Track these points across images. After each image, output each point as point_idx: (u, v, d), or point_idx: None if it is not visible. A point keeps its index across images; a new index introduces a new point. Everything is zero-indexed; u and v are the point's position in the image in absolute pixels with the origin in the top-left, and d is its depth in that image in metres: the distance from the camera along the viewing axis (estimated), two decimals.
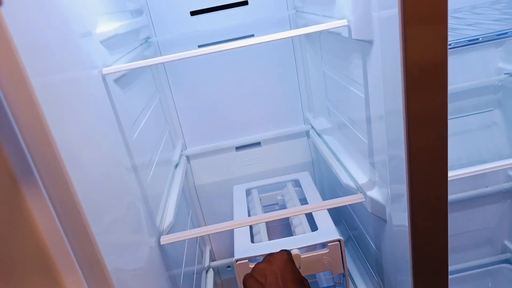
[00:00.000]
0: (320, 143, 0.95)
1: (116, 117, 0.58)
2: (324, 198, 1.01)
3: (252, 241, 0.81)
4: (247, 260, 0.75)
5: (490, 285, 1.31)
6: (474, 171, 0.66)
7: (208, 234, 1.13)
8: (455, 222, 1.19)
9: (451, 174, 0.57)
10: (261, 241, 0.81)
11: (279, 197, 1.01)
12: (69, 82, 0.45)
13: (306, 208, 0.68)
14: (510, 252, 1.25)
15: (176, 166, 0.97)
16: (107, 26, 0.62)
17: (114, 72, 0.57)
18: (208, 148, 1.07)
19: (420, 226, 0.54)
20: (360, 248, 0.92)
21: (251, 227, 0.86)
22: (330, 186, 1.08)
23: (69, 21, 0.49)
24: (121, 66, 0.56)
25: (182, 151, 1.05)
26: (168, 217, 0.73)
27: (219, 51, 0.57)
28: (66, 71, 0.45)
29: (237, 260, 0.75)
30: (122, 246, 0.52)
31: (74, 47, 0.49)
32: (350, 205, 0.93)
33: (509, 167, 0.67)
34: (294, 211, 0.68)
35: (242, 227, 0.84)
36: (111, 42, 0.62)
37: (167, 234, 0.69)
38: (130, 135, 0.64)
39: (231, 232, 0.86)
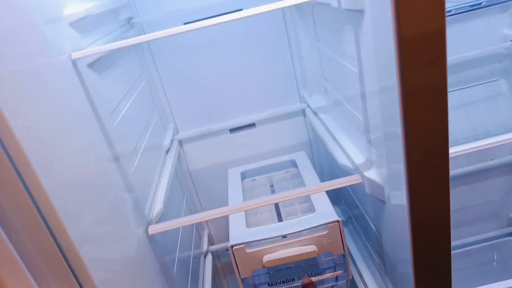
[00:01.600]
0: (316, 122, 0.91)
1: (91, 104, 0.54)
2: (322, 178, 0.97)
3: (248, 225, 0.78)
4: (243, 245, 0.73)
5: (495, 258, 1.29)
6: (476, 147, 0.62)
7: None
8: (460, 196, 1.16)
9: (452, 150, 0.53)
10: (257, 225, 0.78)
11: (275, 178, 0.97)
12: (31, 70, 0.42)
13: (302, 192, 0.65)
14: None
15: (168, 151, 0.94)
16: (78, 7, 0.57)
17: (87, 56, 0.53)
18: (201, 131, 1.03)
19: (420, 206, 0.51)
20: (360, 228, 0.90)
21: (246, 211, 0.83)
22: (328, 165, 1.05)
23: (30, 3, 0.44)
24: (93, 49, 0.52)
25: (173, 135, 1.01)
26: (157, 205, 0.70)
27: (205, 27, 0.53)
28: (27, 59, 0.41)
29: (232, 246, 0.73)
30: (102, 238, 0.49)
31: (36, 31, 0.45)
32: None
33: (501, 144, 0.63)
34: (290, 195, 0.64)
35: (236, 215, 0.82)
36: (83, 24, 0.58)
37: (156, 223, 0.66)
38: (110, 123, 0.60)
39: (227, 216, 0.83)
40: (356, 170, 0.67)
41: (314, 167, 0.95)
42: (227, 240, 0.74)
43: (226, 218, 0.81)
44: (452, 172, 0.84)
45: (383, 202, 0.63)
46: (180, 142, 1.04)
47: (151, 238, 0.66)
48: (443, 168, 0.49)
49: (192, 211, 1.07)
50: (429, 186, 0.50)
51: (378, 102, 0.53)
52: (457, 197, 1.18)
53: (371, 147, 0.64)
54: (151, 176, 0.78)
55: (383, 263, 0.76)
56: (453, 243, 0.54)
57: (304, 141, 1.07)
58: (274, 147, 1.06)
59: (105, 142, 0.56)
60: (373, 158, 0.64)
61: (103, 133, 0.56)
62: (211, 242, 1.16)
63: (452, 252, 0.55)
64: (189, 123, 1.03)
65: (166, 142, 0.93)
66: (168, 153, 0.93)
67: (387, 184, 0.59)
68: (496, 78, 1.09)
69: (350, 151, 0.72)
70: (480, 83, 1.09)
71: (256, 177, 1.00)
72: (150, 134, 0.83)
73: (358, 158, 0.68)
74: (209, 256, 1.08)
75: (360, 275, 0.84)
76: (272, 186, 0.98)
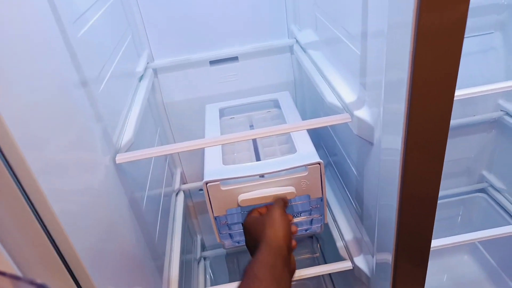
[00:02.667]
0: (305, 59, 0.85)
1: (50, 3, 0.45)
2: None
3: (224, 163, 0.74)
4: (218, 183, 0.69)
5: (461, 213, 1.33)
6: (467, 94, 0.59)
7: (179, 157, 1.06)
8: None
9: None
10: (234, 163, 0.74)
11: (255, 117, 0.92)
12: None
13: (284, 128, 0.60)
14: (486, 182, 1.24)
15: (141, 79, 0.86)
16: None
17: None
18: (179, 61, 0.95)
19: (415, 152, 0.47)
20: (340, 174, 0.87)
21: (223, 148, 0.78)
22: (312, 108, 1.00)
23: None
24: None
25: (148, 63, 0.92)
26: (127, 134, 0.64)
27: None
28: None
29: (207, 182, 0.68)
30: (64, 168, 0.43)
31: None
32: (332, 127, 0.86)
33: (498, 91, 0.60)
34: (271, 131, 0.59)
35: (213, 148, 0.77)
36: None
37: (125, 152, 0.60)
38: (74, 32, 0.52)
39: (202, 155, 0.78)
40: (345, 109, 0.63)
41: (297, 109, 0.90)
42: (201, 179, 0.70)
43: (200, 157, 0.76)
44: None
45: (371, 144, 0.59)
46: (155, 71, 0.95)
47: (119, 169, 0.60)
48: (445, 115, 0.45)
49: (162, 141, 1.02)
50: (428, 133, 0.46)
51: (383, 41, 0.47)
52: None
53: (364, 88, 0.59)
54: (121, 103, 0.71)
55: (360, 208, 0.74)
56: None
57: (289, 81, 1.01)
58: (256, 85, 1.00)
59: (68, 54, 0.48)
60: (365, 98, 0.59)
61: (66, 44, 0.48)
62: (183, 181, 1.12)
63: None
64: (166, 51, 0.94)
65: (139, 69, 0.85)
66: (141, 81, 0.85)
67: (379, 126, 0.55)
68: (492, 31, 1.04)
69: (340, 89, 0.66)
70: (473, 35, 1.04)
71: (235, 116, 0.94)
72: (122, 56, 0.75)
73: (348, 97, 0.63)
74: (181, 195, 1.05)
75: (335, 221, 0.83)
76: (251, 126, 0.93)
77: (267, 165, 0.71)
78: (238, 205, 0.70)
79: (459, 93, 0.58)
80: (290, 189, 0.69)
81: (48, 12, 0.45)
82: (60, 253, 0.40)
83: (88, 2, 0.61)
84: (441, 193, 1.30)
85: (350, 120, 0.60)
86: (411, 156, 0.48)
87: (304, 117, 1.02)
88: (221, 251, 1.25)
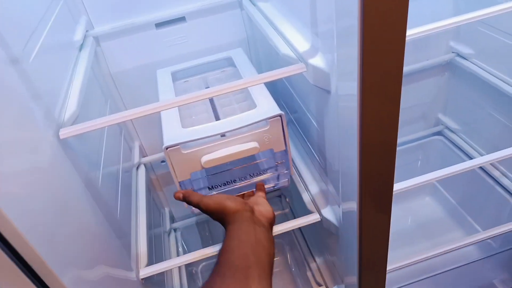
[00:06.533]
0: (255, 13, 0.81)
1: None
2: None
3: (183, 127, 0.70)
4: (179, 146, 0.66)
5: (420, 157, 1.37)
6: (419, 33, 0.58)
7: (135, 129, 1.01)
8: None
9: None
10: (193, 125, 0.70)
11: (210, 78, 0.88)
12: None
13: (240, 84, 0.57)
14: (442, 124, 1.28)
15: (81, 48, 0.79)
16: None
17: None
18: (121, 26, 0.88)
19: (371, 96, 0.46)
20: (300, 128, 0.86)
21: (180, 113, 0.74)
22: (268, 64, 0.97)
23: None
24: None
25: (87, 30, 0.85)
26: (70, 107, 0.59)
27: None
28: None
29: (167, 147, 0.65)
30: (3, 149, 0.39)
31: None
32: (289, 81, 0.84)
33: (447, 28, 0.59)
34: (227, 87, 0.57)
35: (170, 114, 0.73)
36: None
37: (69, 126, 0.55)
38: None
39: (160, 125, 0.74)
40: (300, 59, 0.60)
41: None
42: (161, 151, 0.66)
43: (158, 129, 0.72)
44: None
45: (328, 92, 0.57)
46: (97, 40, 0.88)
47: (66, 145, 0.55)
48: (399, 57, 0.43)
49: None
50: (383, 75, 0.44)
51: None
52: None
53: (317, 37, 0.57)
54: (60, 76, 0.65)
55: (324, 160, 0.73)
56: None
57: (241, 38, 0.97)
58: (208, 46, 0.95)
59: None
60: (319, 45, 0.57)
61: None
62: (143, 155, 1.07)
63: None
64: (107, 16, 0.87)
65: (77, 38, 0.78)
66: (81, 51, 0.78)
67: (334, 73, 0.53)
68: None
69: (293, 40, 0.64)
70: None
71: (189, 78, 0.89)
72: (53, 25, 0.68)
73: (302, 46, 0.61)
74: (142, 168, 1.01)
75: (300, 176, 0.83)
76: (207, 87, 0.89)
77: (227, 124, 0.68)
78: (202, 167, 0.68)
79: (410, 32, 0.57)
80: (253, 145, 0.68)
81: None
82: (7, 242, 0.37)
83: None
84: (399, 140, 1.34)
85: (305, 69, 0.58)
86: (368, 101, 0.46)
87: (259, 72, 1.00)
88: (191, 220, 1.24)
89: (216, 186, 0.74)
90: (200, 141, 0.67)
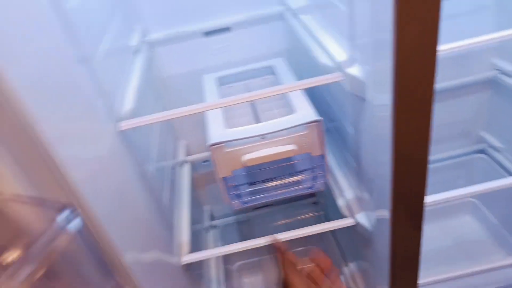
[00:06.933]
0: (296, 24, 0.86)
1: None
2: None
3: (226, 127, 0.76)
4: (223, 144, 0.72)
5: (462, 175, 1.34)
6: (460, 46, 0.60)
7: (183, 129, 1.09)
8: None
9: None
10: (235, 127, 0.76)
11: (252, 85, 0.94)
12: None
13: (281, 89, 0.62)
14: (485, 142, 1.26)
15: (136, 53, 0.87)
16: None
17: None
18: (173, 33, 0.96)
19: (403, 107, 0.49)
20: (337, 136, 0.90)
21: (224, 116, 0.80)
22: (306, 73, 1.01)
23: None
24: None
25: (143, 37, 0.94)
26: (128, 103, 0.67)
27: None
28: None
29: (212, 145, 0.71)
30: (75, 139, 0.46)
31: None
32: (328, 91, 0.88)
33: (491, 41, 0.61)
34: (269, 91, 0.62)
35: (215, 115, 0.79)
36: None
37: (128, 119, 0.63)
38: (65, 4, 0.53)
39: (205, 126, 0.80)
40: (338, 69, 0.64)
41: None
42: (205, 151, 0.73)
43: (203, 130, 0.79)
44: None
45: (364, 100, 0.61)
46: (151, 45, 0.97)
47: (125, 137, 0.63)
48: (430, 71, 0.46)
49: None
50: (415, 88, 0.47)
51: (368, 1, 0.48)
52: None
53: (355, 47, 0.61)
54: (119, 76, 0.73)
55: (359, 166, 0.76)
56: None
57: (282, 49, 1.03)
58: (250, 55, 1.02)
59: (60, 27, 0.50)
60: (357, 56, 0.61)
61: (58, 15, 0.50)
62: (188, 153, 1.15)
63: None
64: (160, 24, 0.96)
65: (134, 43, 0.86)
66: (137, 55, 0.87)
67: (370, 83, 0.57)
68: None
69: (333, 50, 0.68)
70: None
71: (233, 84, 0.96)
72: (116, 30, 0.76)
73: (341, 56, 0.65)
74: (186, 166, 1.08)
75: (335, 180, 0.86)
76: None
77: (268, 126, 0.73)
78: (243, 165, 0.73)
79: (443, 47, 0.59)
80: (291, 147, 0.72)
81: None
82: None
83: None
84: (440, 156, 1.32)
85: (343, 78, 0.62)
86: (400, 112, 0.49)
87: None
88: (231, 219, 1.29)
89: (255, 183, 0.79)
90: (242, 141, 0.73)
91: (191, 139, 1.13)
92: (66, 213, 0.32)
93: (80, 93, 0.51)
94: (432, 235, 1.28)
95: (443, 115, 1.16)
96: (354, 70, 0.60)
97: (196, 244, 1.00)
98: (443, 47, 0.59)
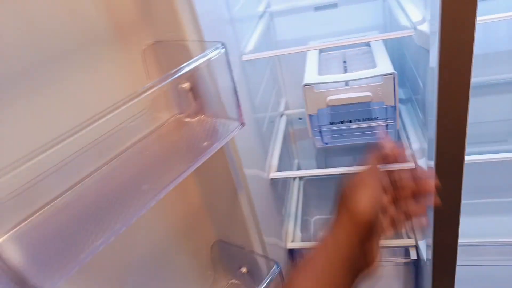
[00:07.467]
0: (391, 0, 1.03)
1: None
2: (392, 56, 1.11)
3: (319, 74, 0.98)
4: (313, 86, 0.93)
5: None
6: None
7: (284, 86, 1.33)
8: None
9: None
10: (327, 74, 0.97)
11: (348, 53, 1.14)
12: None
13: (365, 38, 0.83)
14: None
15: (260, 18, 1.14)
16: None
17: None
18: (290, 6, 1.21)
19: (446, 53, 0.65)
20: (411, 89, 1.04)
21: (320, 66, 1.02)
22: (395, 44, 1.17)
23: None
24: None
25: (266, 8, 1.20)
26: (250, 45, 0.92)
27: None
28: None
29: (305, 85, 0.94)
30: None
31: None
32: (407, 48, 1.03)
33: None
34: (352, 40, 0.81)
35: (312, 64, 1.01)
36: None
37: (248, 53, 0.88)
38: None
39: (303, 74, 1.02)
40: (412, 26, 0.81)
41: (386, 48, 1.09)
42: (301, 107, 0.94)
43: (301, 89, 1.00)
44: None
45: (428, 51, 0.77)
46: (271, 15, 1.23)
47: (245, 67, 0.88)
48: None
49: (273, 75, 1.29)
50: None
51: None
52: None
53: (427, 9, 0.77)
54: (247, 28, 0.99)
55: (424, 118, 0.91)
56: None
57: (379, 23, 1.20)
58: (351, 27, 1.21)
59: None
60: (428, 16, 0.77)
61: None
62: (287, 108, 1.39)
63: None
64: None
65: (260, 10, 1.13)
66: (260, 20, 1.13)
67: (433, 36, 0.73)
68: None
69: (411, 13, 0.85)
70: None
71: (332, 52, 1.17)
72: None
73: (416, 17, 0.82)
74: (284, 118, 1.32)
75: (405, 129, 1.01)
76: (345, 62, 1.14)
77: (351, 75, 0.93)
78: (327, 105, 0.94)
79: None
80: (367, 94, 0.91)
81: None
82: None
83: None
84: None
85: (413, 33, 0.79)
86: (444, 55, 0.65)
87: (390, 53, 1.20)
88: (315, 171, 1.49)
89: (335, 123, 0.99)
90: (329, 85, 0.93)
91: (290, 97, 1.37)
92: None
93: (229, 41, 0.77)
94: None
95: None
96: (424, 27, 0.76)
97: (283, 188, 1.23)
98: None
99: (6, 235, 0.37)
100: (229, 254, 0.84)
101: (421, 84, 0.90)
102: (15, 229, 0.39)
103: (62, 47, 0.49)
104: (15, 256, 0.37)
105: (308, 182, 1.52)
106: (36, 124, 0.46)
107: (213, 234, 0.84)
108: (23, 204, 0.41)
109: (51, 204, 0.44)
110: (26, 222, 0.39)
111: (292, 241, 1.17)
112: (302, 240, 1.19)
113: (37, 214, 0.41)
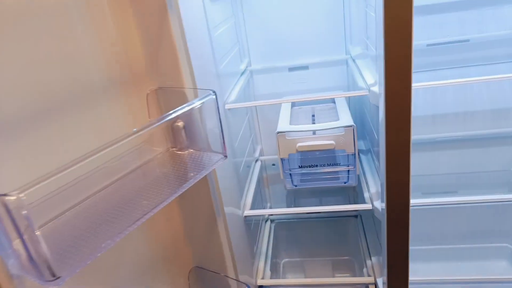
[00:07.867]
0: (353, 66, 1.22)
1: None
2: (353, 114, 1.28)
3: (291, 124, 1.13)
4: (285, 133, 1.08)
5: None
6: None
7: (260, 135, 1.48)
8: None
9: None
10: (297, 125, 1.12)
11: (316, 108, 1.31)
12: None
13: (327, 95, 0.99)
14: None
15: (241, 75, 1.30)
16: None
17: None
18: (267, 66, 1.39)
19: (390, 107, 0.82)
20: (370, 141, 1.20)
21: (291, 118, 1.17)
22: (356, 102, 1.36)
23: None
24: None
25: (247, 66, 1.38)
26: (233, 96, 1.07)
27: None
28: None
29: (278, 132, 1.08)
30: None
31: None
32: (366, 106, 1.20)
33: None
34: (319, 96, 0.98)
35: (284, 117, 1.17)
36: None
37: (231, 103, 1.03)
38: (213, 33, 0.97)
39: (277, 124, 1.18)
40: (367, 88, 0.98)
41: (349, 106, 1.27)
42: (274, 154, 1.08)
43: (275, 139, 1.15)
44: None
45: (377, 108, 0.93)
46: (252, 72, 1.40)
47: (228, 115, 1.02)
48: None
49: (251, 125, 1.44)
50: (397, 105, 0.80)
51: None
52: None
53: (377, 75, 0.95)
54: (230, 83, 1.15)
55: (379, 165, 1.06)
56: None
57: (343, 85, 1.39)
58: (320, 87, 1.39)
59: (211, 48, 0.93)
60: (377, 79, 0.95)
61: (210, 40, 0.93)
62: (261, 154, 1.52)
63: None
64: (260, 59, 1.40)
65: (241, 68, 1.30)
66: (242, 76, 1.30)
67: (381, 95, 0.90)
68: None
69: (367, 78, 1.03)
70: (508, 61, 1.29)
71: (303, 107, 1.34)
72: (232, 59, 1.20)
73: (370, 80, 0.99)
74: (259, 163, 1.45)
75: (364, 175, 1.16)
76: (313, 115, 1.31)
77: (317, 126, 1.08)
78: (297, 151, 1.08)
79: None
80: (331, 142, 1.06)
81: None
82: None
83: (220, 19, 1.08)
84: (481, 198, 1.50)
85: (368, 93, 0.96)
86: (389, 111, 0.81)
87: (353, 110, 1.38)
88: (286, 217, 1.61)
89: (304, 166, 1.13)
90: (298, 133, 1.08)
91: (265, 144, 1.52)
92: None
93: (215, 88, 0.92)
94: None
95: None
96: (375, 88, 0.94)
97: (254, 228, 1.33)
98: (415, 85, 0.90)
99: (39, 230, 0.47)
100: (206, 279, 0.92)
101: (376, 137, 1.07)
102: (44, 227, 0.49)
103: (89, 87, 0.62)
104: (44, 246, 0.46)
105: (279, 225, 1.63)
106: (65, 145, 0.58)
107: (192, 261, 0.93)
108: (49, 207, 0.51)
109: (68, 210, 0.54)
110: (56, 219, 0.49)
111: (262, 278, 1.25)
112: (272, 278, 1.27)
113: (60, 216, 0.51)
